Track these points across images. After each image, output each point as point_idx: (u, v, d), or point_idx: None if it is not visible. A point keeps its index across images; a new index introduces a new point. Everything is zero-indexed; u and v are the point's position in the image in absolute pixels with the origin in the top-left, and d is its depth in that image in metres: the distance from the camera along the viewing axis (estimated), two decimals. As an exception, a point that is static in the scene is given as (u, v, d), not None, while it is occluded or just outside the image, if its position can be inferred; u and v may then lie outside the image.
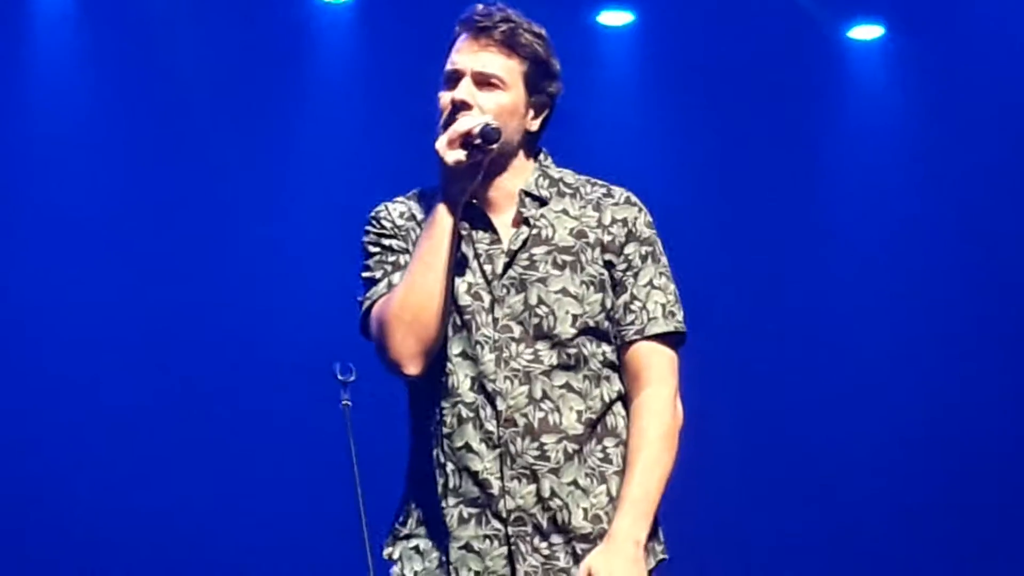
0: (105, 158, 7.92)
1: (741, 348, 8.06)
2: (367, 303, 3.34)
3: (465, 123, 3.24)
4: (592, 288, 3.33)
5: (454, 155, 3.22)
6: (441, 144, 3.24)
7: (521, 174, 3.39)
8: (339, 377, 5.82)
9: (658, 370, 3.32)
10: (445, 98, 3.33)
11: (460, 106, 3.30)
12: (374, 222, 3.43)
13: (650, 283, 3.36)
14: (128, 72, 7.97)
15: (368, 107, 8.31)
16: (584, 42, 8.27)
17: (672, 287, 3.38)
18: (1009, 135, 8.46)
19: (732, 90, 8.47)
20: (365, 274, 3.38)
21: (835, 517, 8.29)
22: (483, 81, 3.33)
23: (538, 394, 3.27)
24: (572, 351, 3.30)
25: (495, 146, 3.24)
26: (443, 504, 3.28)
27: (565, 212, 3.38)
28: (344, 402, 5.79)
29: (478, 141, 3.22)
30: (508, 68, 3.34)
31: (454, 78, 3.35)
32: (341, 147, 8.25)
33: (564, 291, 3.31)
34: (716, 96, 8.47)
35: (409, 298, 3.22)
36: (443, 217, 3.24)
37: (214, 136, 8.03)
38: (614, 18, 8.58)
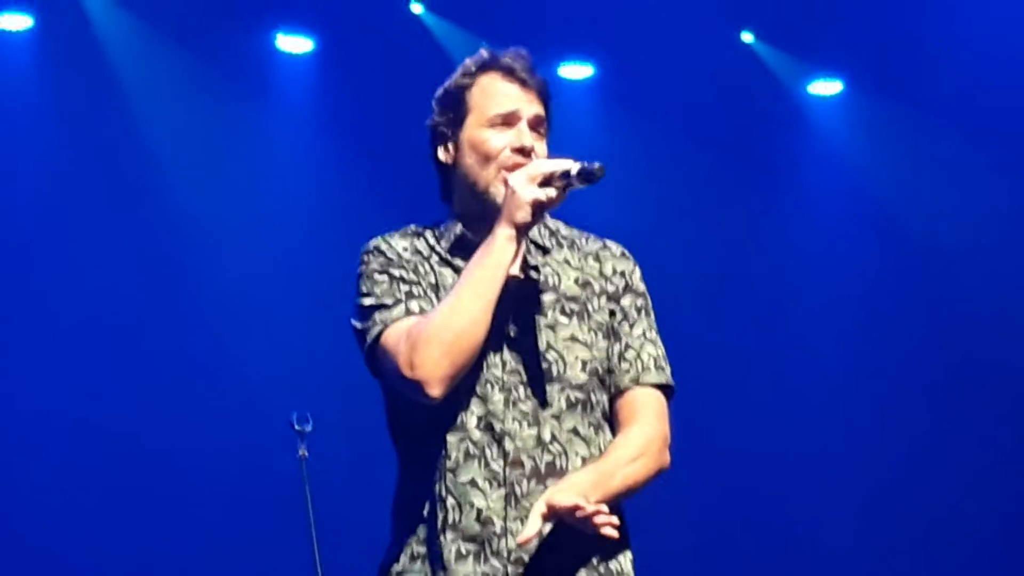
0: (59, 201, 7.88)
1: (701, 391, 8.07)
2: (378, 327, 3.29)
3: (549, 164, 3.24)
4: (600, 335, 3.36)
5: (534, 192, 3.20)
6: (519, 179, 3.22)
7: None
8: (296, 427, 5.77)
9: (651, 412, 3.35)
10: (499, 139, 3.34)
11: (529, 152, 3.32)
12: (377, 253, 3.39)
13: (643, 335, 3.40)
14: (89, 117, 7.94)
15: (327, 155, 8.32)
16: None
17: (661, 343, 3.43)
18: (966, 189, 8.56)
19: (692, 144, 8.52)
20: (368, 301, 3.33)
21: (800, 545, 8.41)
22: (535, 127, 3.37)
23: (547, 437, 3.28)
24: (581, 396, 3.31)
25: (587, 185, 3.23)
26: (440, 539, 3.25)
27: (567, 262, 3.41)
28: (301, 452, 5.74)
29: (572, 182, 3.19)
30: (545, 115, 3.40)
31: (510, 122, 3.35)
32: (300, 194, 8.25)
33: (573, 338, 3.33)
34: (676, 149, 8.53)
35: (453, 320, 3.19)
36: (502, 250, 3.22)
37: (172, 182, 8.02)
38: (574, 71, 8.61)
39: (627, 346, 3.37)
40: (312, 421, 5.75)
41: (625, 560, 3.33)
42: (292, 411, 5.79)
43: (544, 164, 3.25)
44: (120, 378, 7.79)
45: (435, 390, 3.20)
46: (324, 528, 5.66)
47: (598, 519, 3.07)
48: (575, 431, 3.29)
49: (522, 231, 3.23)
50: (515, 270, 3.33)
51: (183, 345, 7.88)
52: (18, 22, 7.88)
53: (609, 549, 3.29)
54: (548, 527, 3.19)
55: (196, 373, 7.83)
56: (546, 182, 3.21)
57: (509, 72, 3.39)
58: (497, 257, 3.22)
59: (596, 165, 3.19)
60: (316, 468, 5.76)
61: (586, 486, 3.15)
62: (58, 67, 7.98)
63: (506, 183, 3.24)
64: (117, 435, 7.72)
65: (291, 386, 7.47)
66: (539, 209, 3.22)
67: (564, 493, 3.10)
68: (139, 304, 7.87)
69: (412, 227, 3.46)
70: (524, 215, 3.21)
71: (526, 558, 3.22)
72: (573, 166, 3.21)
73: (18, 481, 7.61)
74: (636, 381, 3.36)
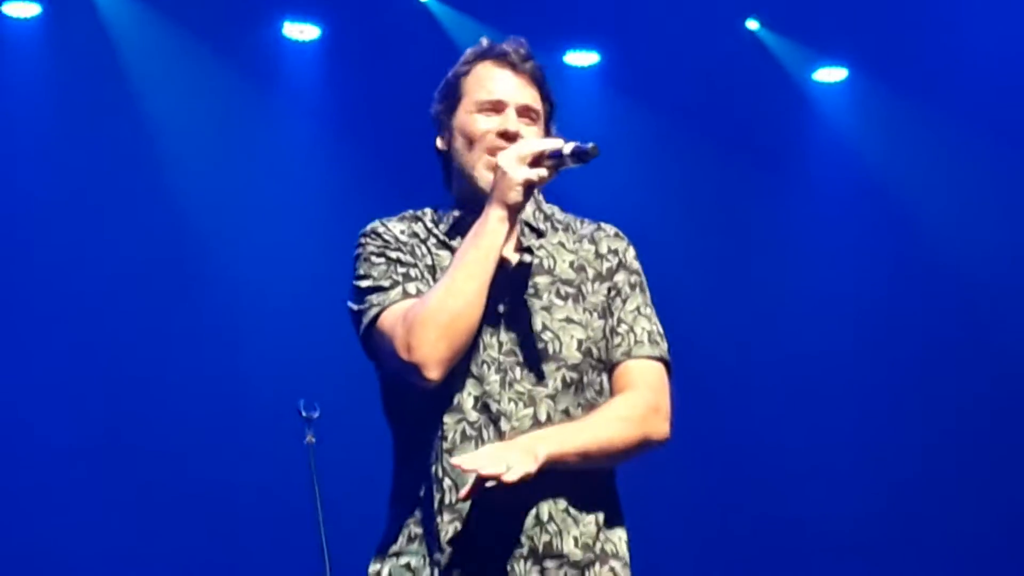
0: (66, 189, 7.88)
1: (705, 377, 8.09)
2: (375, 309, 3.30)
3: (539, 144, 3.27)
4: (595, 315, 3.37)
5: (524, 172, 3.23)
6: (509, 159, 3.24)
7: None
8: (303, 414, 5.78)
9: (643, 383, 3.35)
10: (485, 123, 3.38)
11: (512, 137, 3.35)
12: (374, 236, 3.41)
13: (637, 310, 3.40)
14: (96, 105, 7.95)
15: (333, 142, 8.33)
16: (550, 82, 8.27)
17: (657, 320, 3.43)
18: (971, 175, 8.58)
19: (697, 131, 8.53)
20: (365, 283, 3.34)
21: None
22: (523, 113, 3.39)
23: (543, 417, 3.28)
24: (575, 375, 3.32)
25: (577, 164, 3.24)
26: (437, 519, 3.26)
27: (562, 245, 3.43)
28: (308, 439, 5.75)
29: (565, 162, 3.22)
30: (539, 104, 3.43)
31: (496, 108, 3.39)
32: (307, 181, 8.26)
33: (568, 319, 3.34)
34: (681, 137, 8.54)
35: (448, 301, 3.20)
36: (495, 231, 3.24)
37: (179, 169, 8.03)
38: (580, 59, 8.62)
39: (620, 320, 3.38)
40: (319, 408, 5.75)
41: (619, 540, 3.34)
42: (299, 398, 5.80)
43: (534, 143, 3.27)
44: (127, 365, 7.81)
45: (432, 372, 3.21)
46: (331, 514, 5.67)
47: (490, 471, 3.04)
48: (566, 412, 3.29)
49: (513, 211, 3.25)
50: (510, 252, 3.35)
51: (191, 332, 7.89)
52: (25, 9, 7.91)
53: (603, 529, 3.31)
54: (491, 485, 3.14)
55: (204, 360, 7.85)
56: (536, 162, 3.23)
57: (502, 57, 3.42)
58: (490, 238, 3.23)
59: (590, 145, 3.20)
60: (323, 455, 5.77)
61: (536, 440, 3.15)
62: (65, 54, 7.99)
63: (496, 166, 3.26)
64: (126, 422, 7.74)
65: (298, 373, 7.49)
66: (530, 189, 3.25)
67: (487, 451, 3.10)
68: (147, 291, 7.88)
69: (411, 212, 3.49)
70: (515, 195, 3.23)
71: (522, 539, 3.23)
72: (566, 146, 3.22)
73: (31, 469, 7.63)
74: (628, 354, 3.36)
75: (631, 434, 3.27)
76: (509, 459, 3.06)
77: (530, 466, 3.08)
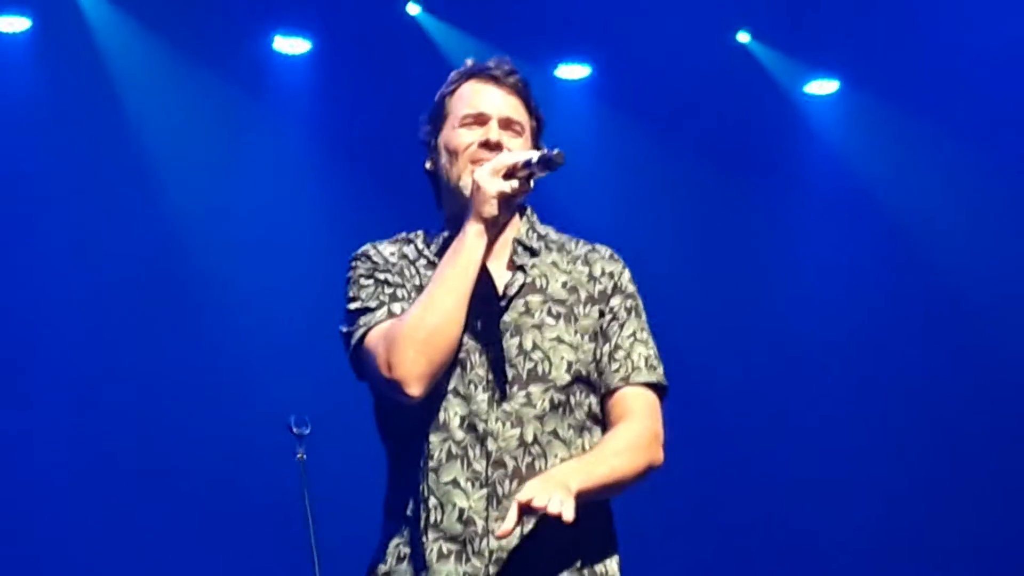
0: (56, 203, 7.87)
1: (696, 392, 8.08)
2: (361, 329, 3.32)
3: (511, 156, 3.30)
4: (587, 337, 3.37)
5: (498, 185, 3.26)
6: (483, 174, 3.27)
7: (514, 224, 3.44)
8: (294, 430, 5.77)
9: (641, 410, 3.35)
10: (468, 136, 3.40)
11: (495, 147, 3.37)
12: (363, 258, 3.44)
13: (633, 335, 3.40)
14: (86, 119, 7.93)
15: (324, 156, 8.33)
16: (542, 95, 8.25)
17: (653, 344, 3.44)
18: (962, 187, 8.59)
19: (689, 144, 8.54)
20: (354, 305, 3.37)
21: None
22: (507, 126, 3.41)
23: (529, 438, 3.28)
24: (562, 397, 3.32)
25: (546, 172, 3.26)
26: (423, 539, 3.26)
27: (555, 265, 3.43)
28: (299, 455, 5.74)
29: (534, 171, 3.24)
30: (524, 117, 3.45)
31: (480, 121, 3.41)
32: (297, 195, 8.26)
33: (559, 339, 3.34)
34: (673, 149, 8.53)
35: (427, 317, 3.22)
36: (473, 246, 3.27)
37: (170, 183, 8.02)
38: (571, 72, 8.62)
39: (617, 346, 3.38)
40: (310, 424, 5.74)
41: (611, 562, 3.34)
42: (290, 414, 5.79)
43: (506, 157, 3.30)
44: (118, 381, 7.78)
45: (413, 389, 3.22)
46: (322, 531, 5.66)
47: (551, 511, 3.03)
48: (555, 433, 3.29)
49: (491, 225, 3.27)
50: (501, 269, 3.36)
51: (181, 348, 7.87)
52: (16, 24, 7.90)
53: (595, 551, 3.30)
54: (531, 522, 3.19)
55: (194, 376, 7.83)
56: (510, 174, 3.26)
57: (484, 72, 3.45)
58: (467, 253, 3.26)
59: (555, 151, 3.22)
60: (314, 471, 5.75)
61: (568, 474, 3.15)
62: (56, 69, 7.99)
63: (472, 182, 3.29)
64: (117, 438, 7.72)
65: (289, 389, 7.47)
66: (505, 201, 3.26)
67: (530, 486, 3.09)
68: (136, 307, 7.87)
69: (403, 234, 3.51)
70: (491, 209, 3.26)
71: (508, 558, 3.23)
72: (534, 155, 3.25)
73: (16, 486, 7.61)
74: (626, 380, 3.36)
75: (640, 463, 3.29)
76: (554, 494, 3.05)
77: (571, 501, 3.07)
